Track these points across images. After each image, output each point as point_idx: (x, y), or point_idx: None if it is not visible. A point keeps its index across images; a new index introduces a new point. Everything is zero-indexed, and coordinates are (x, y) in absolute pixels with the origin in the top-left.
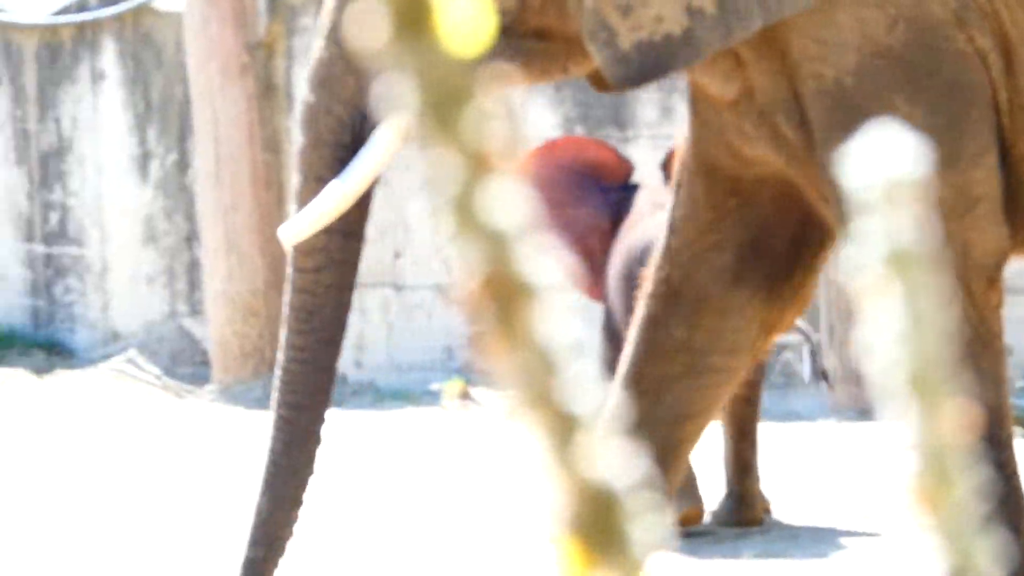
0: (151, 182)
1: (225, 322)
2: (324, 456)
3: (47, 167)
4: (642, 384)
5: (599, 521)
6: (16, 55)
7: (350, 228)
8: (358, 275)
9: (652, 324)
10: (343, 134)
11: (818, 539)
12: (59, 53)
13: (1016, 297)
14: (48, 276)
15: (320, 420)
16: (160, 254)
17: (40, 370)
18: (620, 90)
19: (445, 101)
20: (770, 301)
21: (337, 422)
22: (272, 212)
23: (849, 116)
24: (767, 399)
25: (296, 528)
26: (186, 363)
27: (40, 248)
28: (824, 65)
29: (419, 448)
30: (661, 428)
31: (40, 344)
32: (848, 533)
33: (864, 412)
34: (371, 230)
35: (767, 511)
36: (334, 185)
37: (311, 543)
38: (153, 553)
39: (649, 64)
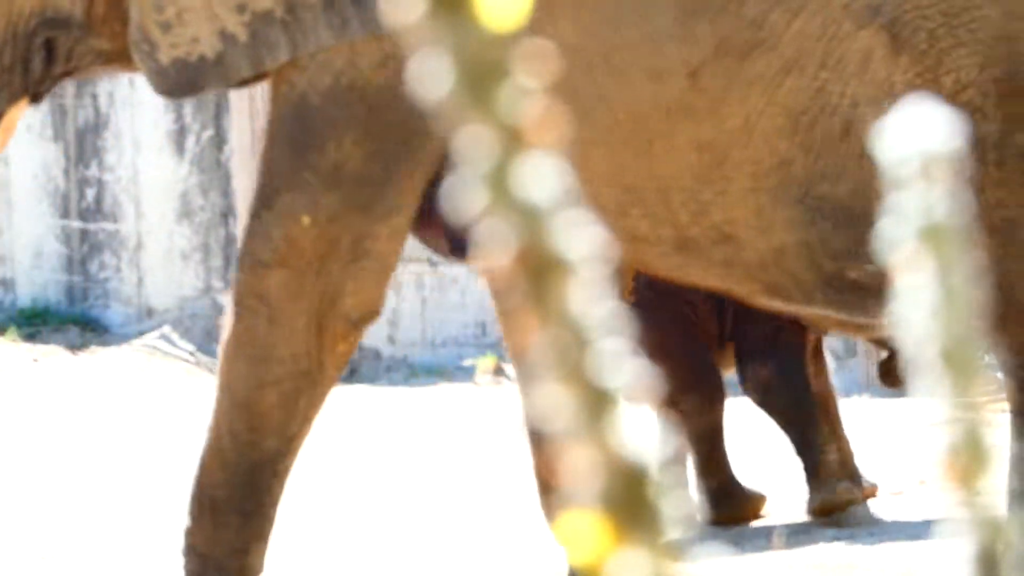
0: (187, 158)
1: None
2: (358, 432)
3: (83, 143)
4: None
5: (629, 497)
6: None
7: None
8: None
9: None
10: None
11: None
12: None
13: None
14: (83, 252)
15: None
16: (195, 230)
17: (74, 346)
18: (168, 98)
19: (479, 76)
20: None
21: (370, 398)
22: None
23: (299, 130)
24: None
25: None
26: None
27: (76, 224)
28: (302, 75)
29: (452, 424)
30: None
31: (75, 320)
32: (880, 509)
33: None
34: None
35: None
36: None
37: (344, 518)
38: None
39: (185, 81)
